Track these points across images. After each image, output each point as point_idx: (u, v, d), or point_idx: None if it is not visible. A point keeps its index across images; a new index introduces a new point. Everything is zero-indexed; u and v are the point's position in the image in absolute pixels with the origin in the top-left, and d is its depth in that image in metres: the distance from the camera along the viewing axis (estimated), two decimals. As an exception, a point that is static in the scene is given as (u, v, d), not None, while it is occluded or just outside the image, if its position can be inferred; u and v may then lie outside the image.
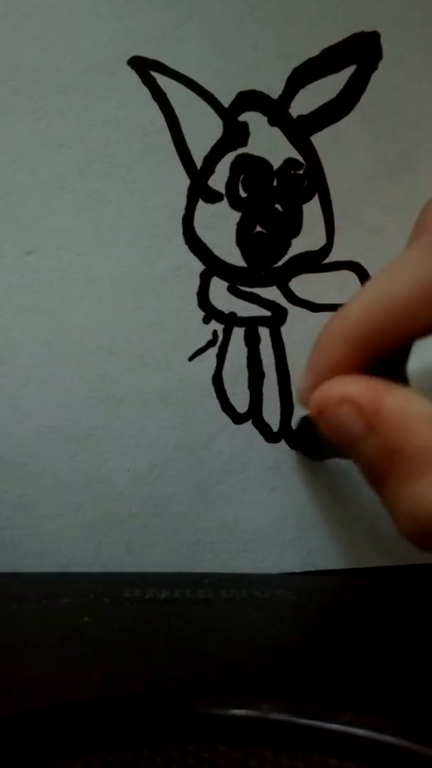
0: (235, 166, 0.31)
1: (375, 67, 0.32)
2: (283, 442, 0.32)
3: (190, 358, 0.32)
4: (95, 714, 0.19)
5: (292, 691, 0.20)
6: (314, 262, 0.32)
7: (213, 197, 0.31)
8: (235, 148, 0.31)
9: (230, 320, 0.32)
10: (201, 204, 0.31)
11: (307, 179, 0.31)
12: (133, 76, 0.30)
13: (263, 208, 0.31)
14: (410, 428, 0.19)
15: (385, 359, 0.21)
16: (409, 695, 0.21)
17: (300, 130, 0.31)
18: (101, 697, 0.19)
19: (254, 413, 0.32)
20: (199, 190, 0.31)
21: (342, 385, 0.20)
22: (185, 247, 0.31)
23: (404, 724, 0.19)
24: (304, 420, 0.31)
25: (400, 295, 0.20)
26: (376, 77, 0.32)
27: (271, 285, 0.32)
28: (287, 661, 0.23)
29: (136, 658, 0.22)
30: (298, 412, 0.32)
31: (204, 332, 0.32)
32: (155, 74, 0.31)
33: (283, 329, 0.32)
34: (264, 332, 0.32)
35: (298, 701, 0.20)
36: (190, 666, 0.22)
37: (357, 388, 0.20)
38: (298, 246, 0.32)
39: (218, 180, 0.31)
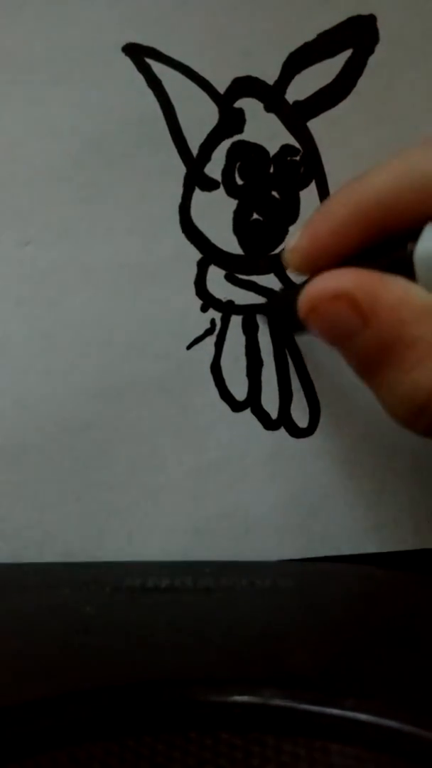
0: (231, 154, 0.31)
1: (372, 51, 0.31)
2: (282, 430, 0.32)
3: (189, 347, 0.32)
4: (97, 703, 0.19)
5: (293, 678, 0.21)
6: (312, 249, 0.32)
7: (209, 185, 0.31)
8: (231, 135, 0.31)
9: (228, 308, 0.32)
10: (197, 192, 0.31)
11: (304, 165, 0.31)
12: (127, 64, 0.30)
13: (260, 195, 0.31)
14: (407, 320, 0.19)
15: (387, 240, 0.20)
16: (411, 680, 0.21)
17: (296, 116, 0.31)
18: (103, 686, 0.20)
19: (253, 401, 0.32)
20: (196, 178, 0.31)
21: (336, 278, 0.20)
22: (182, 236, 0.31)
23: (407, 709, 0.19)
24: (284, 293, 0.31)
25: None
26: (372, 61, 0.31)
27: (268, 272, 0.32)
28: (288, 649, 0.23)
29: (138, 647, 0.22)
30: (297, 400, 0.32)
31: (202, 321, 0.32)
32: (150, 61, 0.30)
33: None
34: (262, 320, 0.32)
35: (299, 687, 0.20)
36: (191, 654, 0.22)
37: (352, 280, 0.19)
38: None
39: (214, 167, 0.31)
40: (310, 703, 0.19)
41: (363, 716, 0.19)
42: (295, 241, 0.22)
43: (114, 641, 0.23)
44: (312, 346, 0.32)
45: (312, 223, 0.22)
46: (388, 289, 0.19)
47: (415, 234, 0.20)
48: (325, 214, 0.21)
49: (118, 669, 0.21)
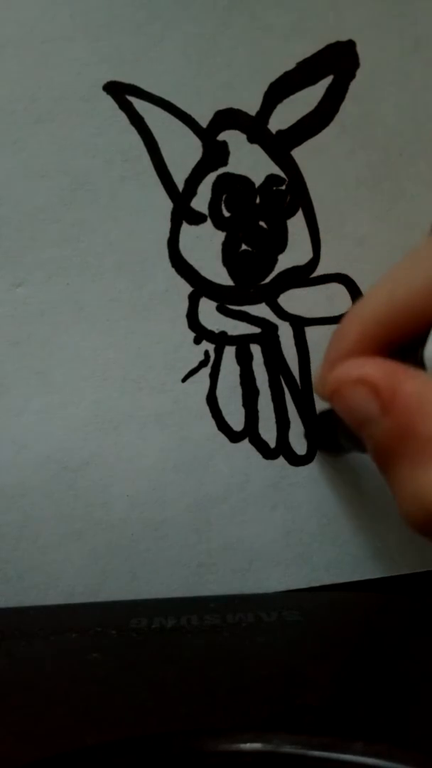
0: (216, 186, 0.31)
1: (352, 76, 0.32)
2: (281, 458, 0.32)
3: (184, 380, 0.32)
4: (106, 759, 0.19)
5: (302, 722, 0.20)
6: (302, 276, 0.32)
7: (197, 219, 0.31)
8: (215, 168, 0.31)
9: (221, 339, 0.32)
10: (185, 226, 0.31)
11: (289, 194, 0.31)
12: (109, 102, 0.30)
13: (247, 226, 0.31)
14: (425, 413, 0.19)
15: (402, 346, 0.21)
16: (420, 718, 0.21)
17: (280, 146, 0.31)
18: (112, 741, 0.20)
19: (250, 431, 0.32)
20: (183, 213, 0.31)
21: (360, 365, 0.20)
22: (172, 270, 0.31)
23: (415, 752, 0.19)
24: (323, 415, 0.31)
25: (420, 284, 0.21)
26: (354, 86, 0.32)
27: (259, 302, 0.32)
28: (296, 689, 0.23)
29: (146, 696, 0.22)
30: (295, 428, 0.32)
31: (196, 353, 0.32)
32: (131, 98, 0.30)
33: (275, 345, 0.32)
34: (256, 349, 0.32)
35: (309, 732, 0.20)
36: (200, 701, 0.22)
37: (375, 369, 0.20)
38: (285, 262, 0.32)
39: (201, 201, 0.31)
40: (320, 748, 0.19)
41: (372, 760, 0.19)
42: (319, 372, 0.23)
43: (122, 691, 0.23)
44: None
45: (327, 353, 0.23)
46: (409, 379, 0.19)
47: (423, 339, 0.20)
48: (337, 342, 0.23)
49: (127, 721, 0.21)
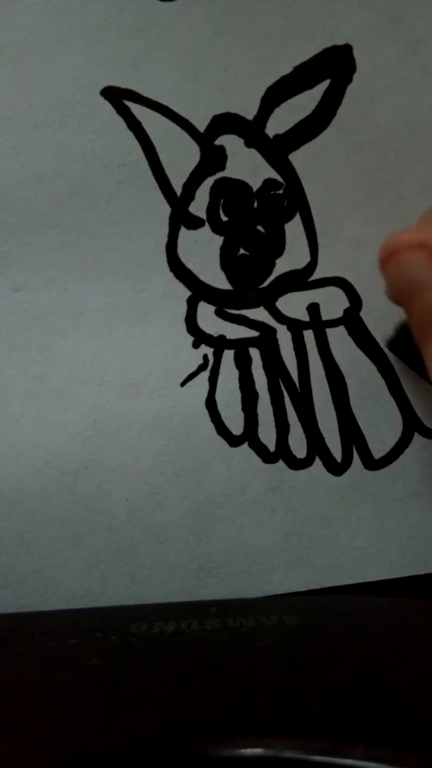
0: (214, 191, 0.31)
1: (349, 80, 0.32)
2: (280, 462, 0.32)
3: (182, 384, 0.32)
4: (107, 765, 0.19)
5: (303, 726, 0.20)
6: (300, 280, 0.32)
7: (195, 223, 0.31)
8: (213, 173, 0.31)
9: (220, 343, 0.32)
10: (183, 231, 0.31)
11: (287, 198, 0.31)
12: (107, 107, 0.30)
13: (245, 230, 0.31)
14: None
15: None
16: (422, 722, 0.21)
17: (277, 150, 0.31)
18: (112, 747, 0.20)
19: (250, 435, 0.32)
20: (181, 217, 0.31)
21: (422, 231, 0.20)
22: (170, 275, 0.31)
23: (418, 756, 0.19)
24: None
25: None
26: (351, 90, 0.32)
27: (258, 306, 0.32)
28: (297, 693, 0.23)
29: (146, 701, 0.22)
30: (294, 431, 0.32)
31: (194, 357, 0.32)
32: (129, 103, 0.30)
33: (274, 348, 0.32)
34: (255, 353, 0.32)
35: (310, 736, 0.20)
36: (201, 706, 0.22)
37: None
38: (283, 265, 0.32)
39: (199, 206, 0.31)
40: (321, 753, 0.19)
41: (373, 765, 0.19)
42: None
43: (122, 697, 0.23)
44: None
45: (422, 219, 0.23)
46: None
47: None
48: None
49: (128, 727, 0.21)
